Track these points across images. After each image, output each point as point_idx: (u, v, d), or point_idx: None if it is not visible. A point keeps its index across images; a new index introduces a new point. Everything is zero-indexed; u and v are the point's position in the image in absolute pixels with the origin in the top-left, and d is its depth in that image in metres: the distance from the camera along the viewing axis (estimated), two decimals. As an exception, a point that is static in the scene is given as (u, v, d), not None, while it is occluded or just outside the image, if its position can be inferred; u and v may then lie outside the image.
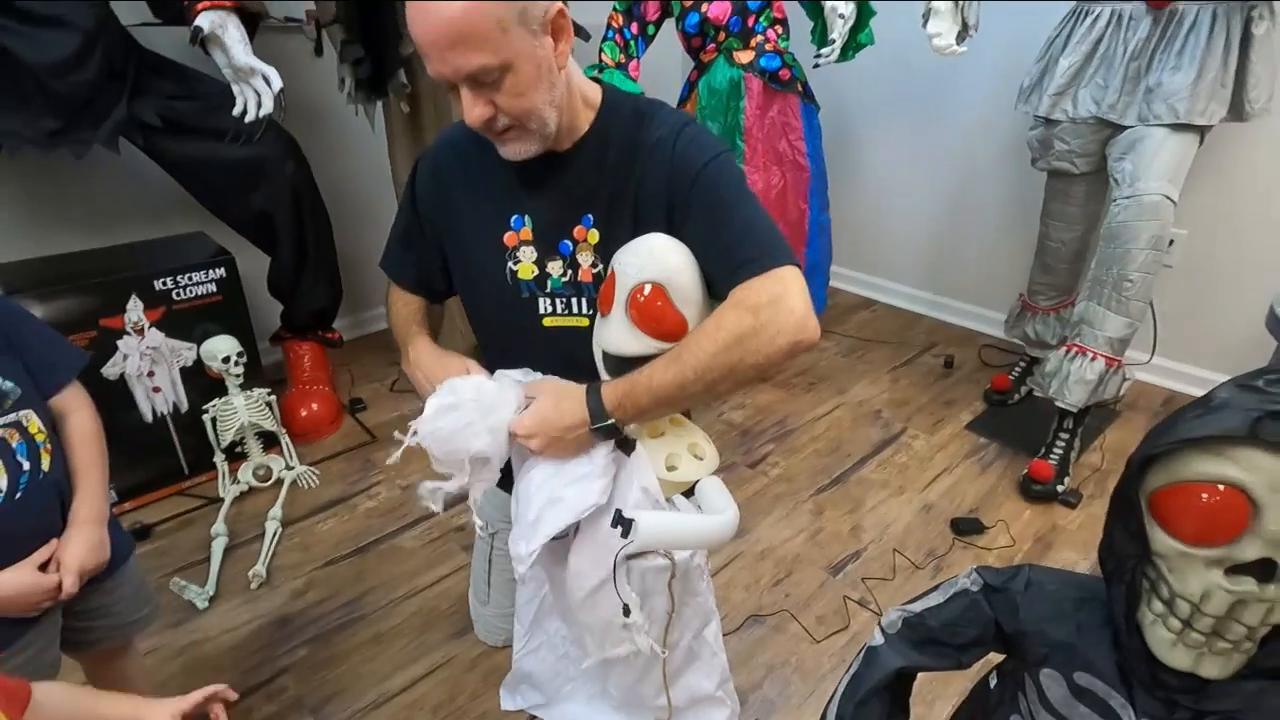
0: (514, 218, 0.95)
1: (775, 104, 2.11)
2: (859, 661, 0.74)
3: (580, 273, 0.95)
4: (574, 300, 0.96)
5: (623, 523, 0.77)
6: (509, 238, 0.96)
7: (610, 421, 0.84)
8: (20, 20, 1.41)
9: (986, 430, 2.08)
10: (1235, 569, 0.52)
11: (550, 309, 0.97)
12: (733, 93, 2.09)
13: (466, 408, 0.84)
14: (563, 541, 0.90)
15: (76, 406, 0.95)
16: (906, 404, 2.23)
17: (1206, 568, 0.52)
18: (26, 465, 0.84)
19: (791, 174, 2.17)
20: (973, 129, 2.48)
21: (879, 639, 0.73)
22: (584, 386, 0.87)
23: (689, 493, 0.92)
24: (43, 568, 0.86)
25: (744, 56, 2.06)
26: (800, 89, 2.11)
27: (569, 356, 0.95)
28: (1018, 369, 2.25)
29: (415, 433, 0.83)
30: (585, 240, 0.94)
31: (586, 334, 0.94)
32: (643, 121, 0.91)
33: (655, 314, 0.85)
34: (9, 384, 0.86)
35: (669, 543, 0.84)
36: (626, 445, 0.89)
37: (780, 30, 2.07)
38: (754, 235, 0.84)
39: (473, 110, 0.81)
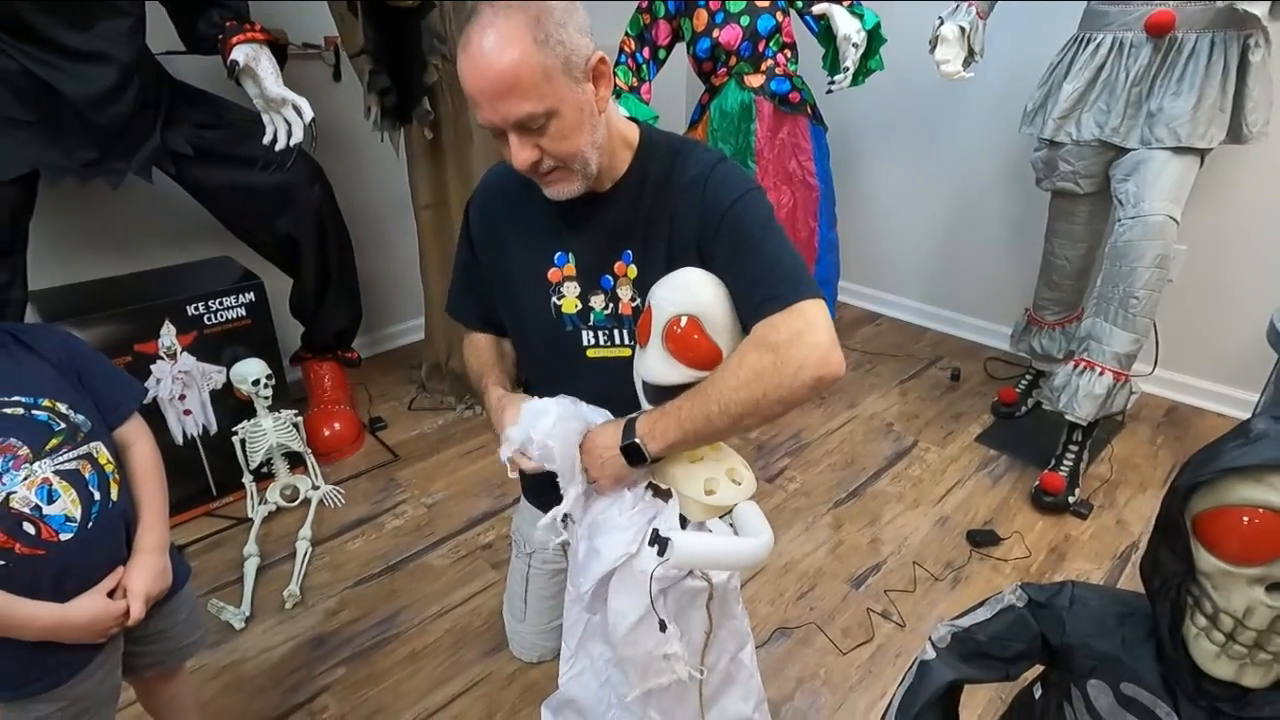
0: (558, 255, 0.99)
1: (785, 126, 2.16)
2: (911, 675, 0.77)
3: (621, 306, 0.99)
4: (616, 332, 1.00)
5: (659, 542, 0.81)
6: (553, 274, 1.00)
7: (635, 441, 0.87)
8: (61, 55, 1.44)
9: (996, 442, 2.13)
10: (1276, 586, 0.56)
11: (593, 341, 1.02)
12: (744, 115, 2.15)
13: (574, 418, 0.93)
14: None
15: (138, 437, 0.98)
16: (916, 417, 2.27)
17: (1249, 585, 0.56)
18: (98, 495, 0.87)
19: (801, 193, 2.23)
20: (975, 148, 2.55)
21: (930, 653, 0.77)
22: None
23: (726, 518, 0.96)
24: (109, 595, 0.89)
25: (754, 80, 2.12)
26: (809, 111, 2.17)
27: (612, 386, 0.99)
28: (1024, 382, 2.30)
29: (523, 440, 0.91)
30: (625, 275, 0.98)
31: (628, 364, 0.98)
32: (677, 160, 0.95)
33: (691, 345, 0.88)
34: (80, 417, 0.89)
35: (704, 562, 0.87)
36: (663, 493, 0.94)
37: (789, 54, 2.13)
38: (778, 271, 0.86)
39: (520, 154, 0.85)
